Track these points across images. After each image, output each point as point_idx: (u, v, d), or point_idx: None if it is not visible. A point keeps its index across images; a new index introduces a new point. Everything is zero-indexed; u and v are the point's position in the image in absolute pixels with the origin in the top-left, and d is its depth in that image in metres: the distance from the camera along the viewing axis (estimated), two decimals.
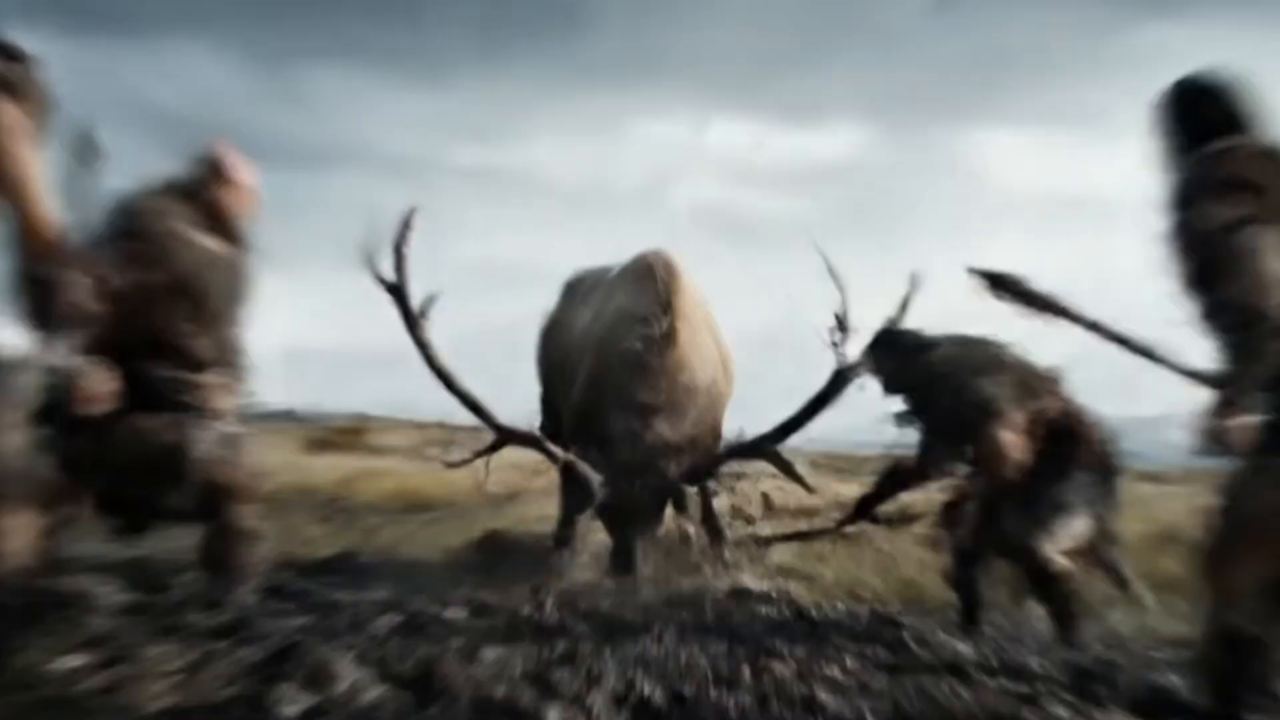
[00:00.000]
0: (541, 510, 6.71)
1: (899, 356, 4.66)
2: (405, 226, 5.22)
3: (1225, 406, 2.55)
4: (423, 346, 5.28)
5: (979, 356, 4.45)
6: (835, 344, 5.30)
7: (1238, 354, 2.53)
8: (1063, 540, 4.25)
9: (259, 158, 4.21)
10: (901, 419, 4.60)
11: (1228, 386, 2.56)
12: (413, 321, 5.25)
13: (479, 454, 5.47)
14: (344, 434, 15.28)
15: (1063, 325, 2.94)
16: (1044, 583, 4.25)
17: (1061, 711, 3.13)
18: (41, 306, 2.51)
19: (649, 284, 5.78)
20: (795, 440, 5.62)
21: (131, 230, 3.86)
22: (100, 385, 3.68)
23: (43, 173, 2.50)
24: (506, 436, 5.38)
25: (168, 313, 3.91)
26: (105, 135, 2.75)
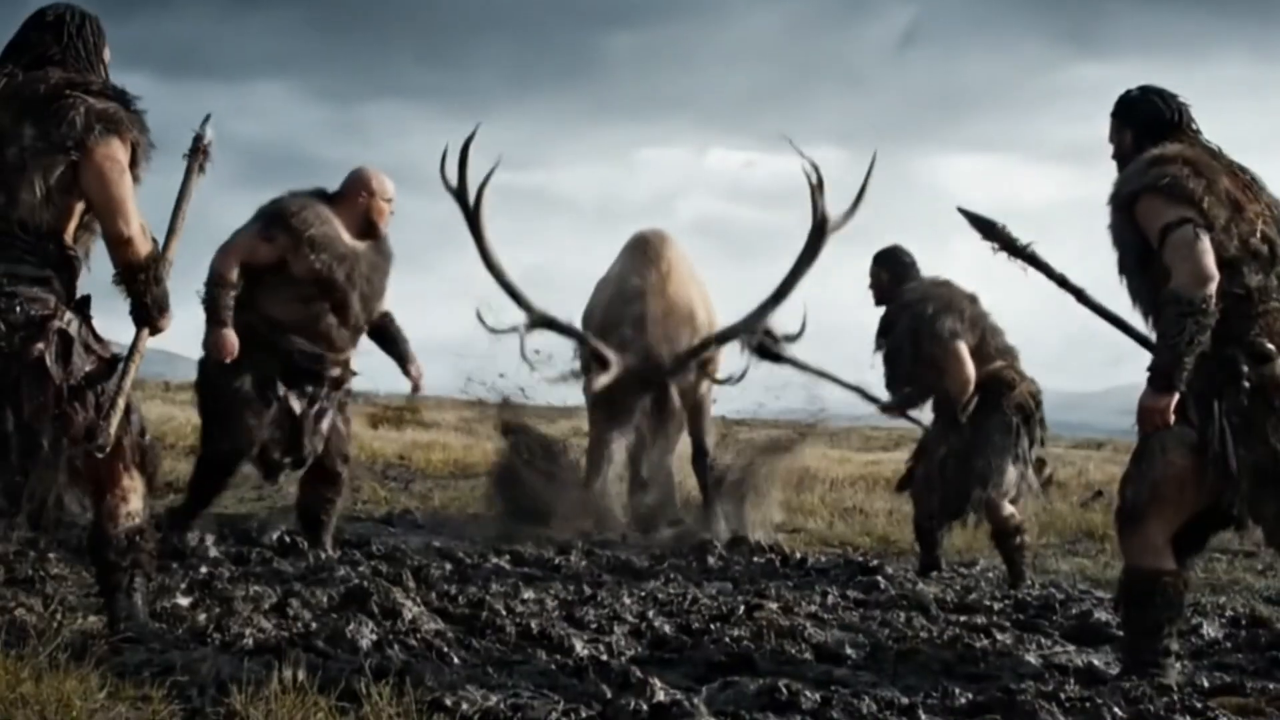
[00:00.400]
0: None
1: (891, 274, 4.51)
2: (467, 142, 5.22)
3: (1160, 387, 2.53)
4: (478, 238, 5.29)
5: (948, 296, 4.34)
6: (813, 200, 5.20)
7: (1175, 339, 2.47)
8: (1006, 490, 4.23)
9: (326, 180, 4.25)
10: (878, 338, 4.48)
11: (1163, 368, 2.52)
12: (471, 218, 5.28)
13: (516, 328, 5.41)
14: (400, 411, 15.22)
15: (1033, 273, 2.91)
16: (997, 529, 4.27)
17: (1007, 639, 3.18)
18: (136, 307, 2.54)
19: (641, 250, 5.88)
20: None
21: (283, 226, 3.94)
22: (225, 346, 3.79)
23: (135, 196, 2.50)
24: (538, 319, 5.41)
25: (315, 299, 3.99)
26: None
